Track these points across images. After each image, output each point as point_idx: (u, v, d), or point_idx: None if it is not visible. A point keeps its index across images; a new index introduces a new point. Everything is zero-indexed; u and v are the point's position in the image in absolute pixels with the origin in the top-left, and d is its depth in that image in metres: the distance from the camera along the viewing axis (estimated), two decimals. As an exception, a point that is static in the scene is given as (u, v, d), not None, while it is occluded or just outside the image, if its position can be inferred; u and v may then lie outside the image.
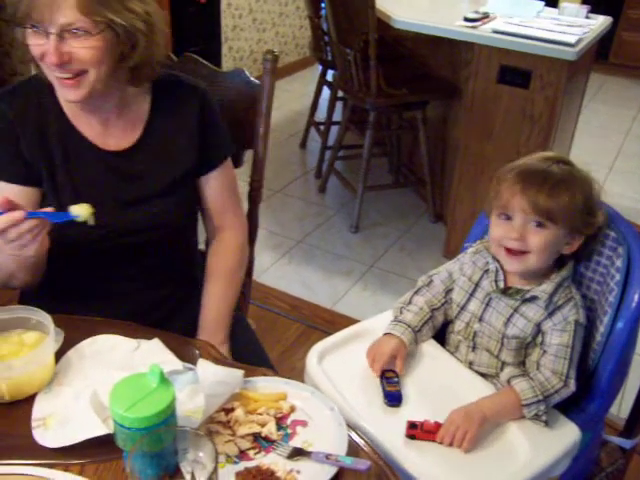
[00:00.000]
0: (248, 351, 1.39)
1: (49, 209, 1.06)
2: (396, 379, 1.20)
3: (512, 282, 1.23)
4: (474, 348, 1.27)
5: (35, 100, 1.21)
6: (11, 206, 1.02)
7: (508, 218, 1.18)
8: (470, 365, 1.27)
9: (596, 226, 1.20)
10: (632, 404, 1.41)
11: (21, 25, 1.09)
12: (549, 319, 1.19)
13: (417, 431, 1.09)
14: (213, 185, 1.36)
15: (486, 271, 1.27)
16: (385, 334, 1.27)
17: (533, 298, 1.20)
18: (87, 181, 1.23)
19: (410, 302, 1.32)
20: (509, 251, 1.18)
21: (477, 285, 1.27)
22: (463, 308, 1.28)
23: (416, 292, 1.34)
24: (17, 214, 1.01)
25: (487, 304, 1.25)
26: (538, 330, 1.20)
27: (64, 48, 1.08)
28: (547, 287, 1.19)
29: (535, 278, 1.21)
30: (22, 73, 2.73)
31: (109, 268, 1.30)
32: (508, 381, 1.17)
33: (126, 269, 1.31)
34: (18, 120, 1.19)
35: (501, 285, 1.23)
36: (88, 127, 1.24)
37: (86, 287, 1.31)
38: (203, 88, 1.34)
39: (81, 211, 1.06)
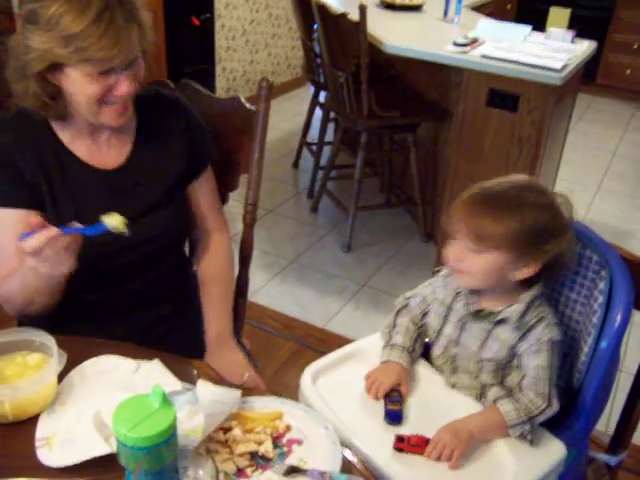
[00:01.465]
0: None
1: (76, 223, 1.08)
2: (398, 398, 1.22)
3: (483, 304, 1.24)
4: (455, 371, 1.28)
5: (30, 128, 1.24)
6: (44, 225, 1.04)
7: (455, 238, 1.21)
8: (453, 387, 1.28)
9: (553, 253, 1.18)
10: (617, 421, 1.45)
11: (89, 70, 1.13)
12: (523, 341, 1.20)
13: (404, 444, 1.12)
14: (201, 190, 1.43)
15: (458, 293, 1.27)
16: (383, 362, 1.29)
17: (504, 320, 1.21)
18: (87, 201, 1.27)
19: (395, 324, 1.34)
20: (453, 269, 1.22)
21: (450, 308, 1.28)
22: (440, 333, 1.30)
23: (397, 314, 1.36)
24: (53, 231, 1.03)
25: (462, 328, 1.26)
26: (513, 353, 1.21)
27: (130, 78, 1.17)
28: (517, 308, 1.20)
29: (504, 299, 1.22)
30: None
31: (108, 285, 1.34)
32: (494, 401, 1.18)
33: (125, 285, 1.35)
34: (17, 146, 1.23)
35: (473, 308, 1.24)
36: (82, 149, 1.28)
37: (85, 305, 1.34)
38: (182, 98, 1.42)
39: (115, 221, 1.08)
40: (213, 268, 1.46)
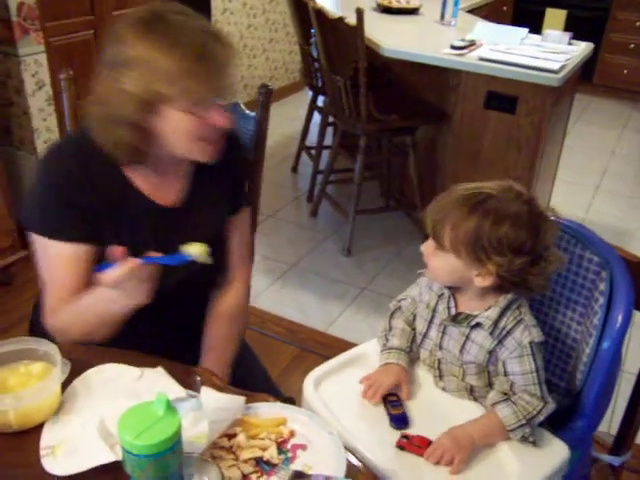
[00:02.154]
0: (253, 376, 1.44)
1: (157, 253, 1.08)
2: (399, 402, 1.23)
3: (462, 307, 1.23)
4: (441, 375, 1.27)
5: (95, 157, 1.20)
6: (125, 255, 1.04)
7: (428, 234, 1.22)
8: (443, 391, 1.28)
9: (511, 270, 1.13)
10: (620, 421, 1.45)
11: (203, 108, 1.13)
12: (502, 347, 1.18)
13: (406, 443, 1.12)
14: (237, 225, 1.42)
15: (440, 296, 1.26)
16: (382, 365, 1.29)
17: (479, 324, 1.20)
18: (146, 235, 1.25)
19: (391, 327, 1.35)
20: None
21: (434, 311, 1.27)
22: (425, 336, 1.29)
23: (391, 317, 1.37)
24: (133, 262, 1.04)
25: (443, 332, 1.25)
26: (491, 357, 1.20)
27: (226, 110, 1.17)
28: (492, 313, 1.18)
29: (482, 302, 1.21)
30: (17, 102, 2.78)
31: (141, 311, 1.27)
32: (493, 406, 1.18)
33: (160, 312, 1.27)
34: (83, 179, 1.19)
35: (452, 312, 1.24)
36: (145, 184, 1.26)
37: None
38: (238, 132, 1.41)
39: (197, 251, 1.08)
40: (221, 332, 1.41)
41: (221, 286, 1.43)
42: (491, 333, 1.18)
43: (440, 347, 1.26)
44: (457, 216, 1.14)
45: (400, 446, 1.13)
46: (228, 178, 1.37)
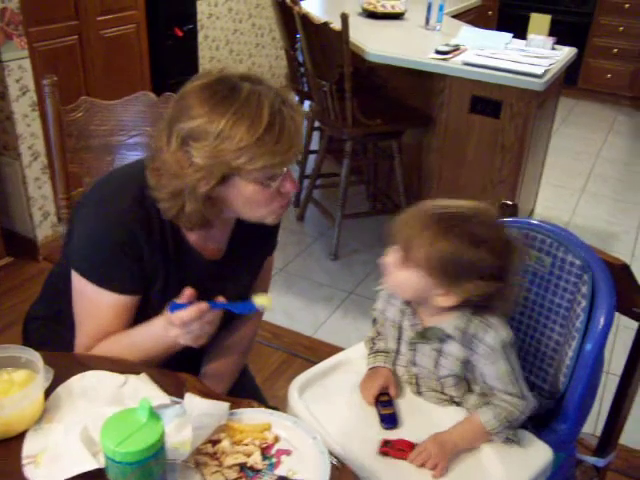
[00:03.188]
0: (240, 382, 1.44)
1: (221, 299, 1.11)
2: (390, 402, 1.24)
3: (427, 321, 1.21)
4: (419, 389, 1.27)
5: (153, 213, 1.17)
6: (195, 298, 1.07)
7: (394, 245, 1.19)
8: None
9: (475, 293, 1.13)
10: (604, 423, 1.47)
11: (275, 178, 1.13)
12: (474, 353, 1.17)
13: (389, 448, 1.13)
14: (262, 268, 1.44)
15: (403, 311, 1.25)
16: (370, 369, 1.30)
17: (449, 337, 1.18)
18: (192, 287, 1.22)
19: (376, 333, 1.35)
20: None
21: (401, 328, 1.26)
22: (398, 352, 1.28)
23: (374, 322, 1.37)
24: (203, 306, 1.07)
25: (414, 349, 1.24)
26: (467, 365, 1.19)
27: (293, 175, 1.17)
28: (459, 323, 1.17)
29: (444, 314, 1.18)
30: (1, 107, 2.77)
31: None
32: (475, 410, 1.18)
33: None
34: (145, 233, 1.17)
35: (419, 328, 1.22)
36: (195, 238, 1.25)
37: None
38: None
39: (264, 301, 1.11)
40: (241, 337, 1.43)
41: (237, 318, 1.44)
42: (461, 342, 1.17)
43: (414, 364, 1.25)
44: (433, 234, 1.11)
45: (383, 452, 1.13)
46: (266, 228, 1.33)
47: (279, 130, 1.07)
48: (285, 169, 1.14)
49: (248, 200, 1.14)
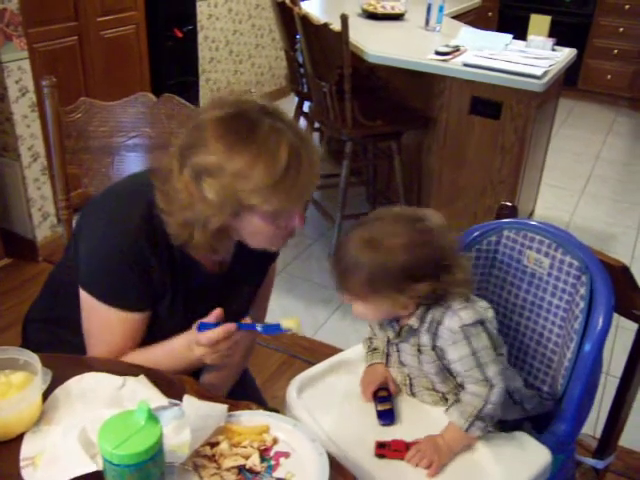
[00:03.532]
0: (239, 384, 1.44)
1: (249, 319, 1.13)
2: (388, 397, 1.24)
3: (403, 321, 1.21)
4: (413, 393, 1.27)
5: (161, 230, 1.15)
6: (222, 318, 1.09)
7: None
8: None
9: (419, 295, 1.14)
10: (603, 425, 1.46)
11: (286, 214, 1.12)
12: (440, 338, 1.17)
13: (385, 450, 1.13)
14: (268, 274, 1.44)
15: None
16: (368, 366, 1.31)
17: (416, 329, 1.18)
18: (197, 301, 1.24)
19: (374, 332, 1.35)
20: None
21: (385, 330, 1.26)
22: (388, 356, 1.28)
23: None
24: (231, 327, 1.08)
25: (397, 349, 1.25)
26: (440, 351, 1.18)
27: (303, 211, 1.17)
28: (419, 312, 1.17)
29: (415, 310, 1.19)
30: (0, 108, 2.77)
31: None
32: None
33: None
34: (153, 250, 1.16)
35: (396, 328, 1.22)
36: (198, 252, 1.23)
37: None
38: None
39: (293, 326, 1.12)
40: (244, 342, 1.38)
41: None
42: (428, 331, 1.17)
43: (403, 364, 1.26)
44: (353, 263, 1.13)
45: (379, 455, 1.13)
46: None
47: (296, 172, 1.06)
48: (299, 210, 1.15)
49: (254, 233, 1.15)
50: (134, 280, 1.16)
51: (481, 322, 1.15)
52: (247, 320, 1.14)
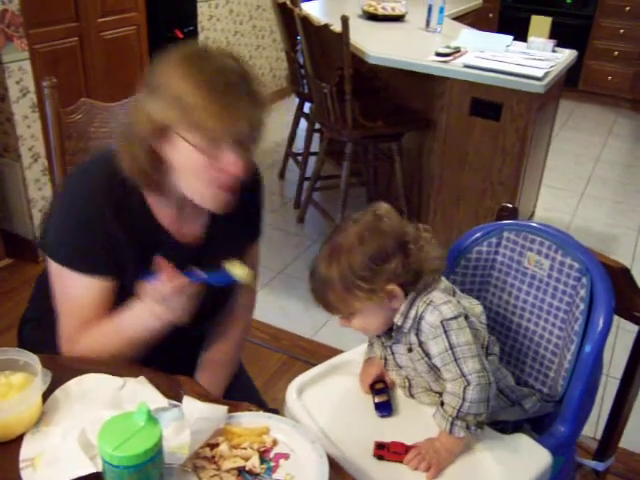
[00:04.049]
0: (238, 384, 1.44)
1: (199, 271, 1.10)
2: (385, 389, 1.25)
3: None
4: (412, 394, 1.27)
5: (124, 193, 1.19)
6: (170, 269, 1.07)
7: None
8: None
9: (397, 275, 1.12)
10: (604, 426, 1.46)
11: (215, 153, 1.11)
12: (421, 333, 1.16)
13: (384, 451, 1.13)
14: (249, 254, 1.43)
15: None
16: (366, 360, 1.32)
17: (402, 327, 1.18)
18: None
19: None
20: None
21: (380, 335, 1.26)
22: (386, 359, 1.28)
23: None
24: (182, 280, 1.07)
25: (392, 352, 1.24)
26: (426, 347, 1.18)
27: (241, 158, 1.13)
28: (402, 309, 1.16)
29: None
30: (1, 109, 2.77)
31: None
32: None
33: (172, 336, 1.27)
34: (112, 212, 1.18)
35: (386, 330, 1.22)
36: (167, 219, 1.25)
37: None
38: (258, 168, 1.40)
39: (241, 272, 1.10)
40: (222, 354, 1.42)
41: (229, 311, 1.44)
42: (413, 328, 1.16)
43: (399, 366, 1.26)
44: (324, 281, 1.13)
45: (378, 456, 1.13)
46: (249, 217, 1.37)
47: (230, 101, 1.08)
48: (233, 147, 1.11)
49: (186, 167, 1.13)
50: (94, 241, 1.18)
51: (465, 316, 1.14)
52: (197, 272, 1.11)
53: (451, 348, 1.12)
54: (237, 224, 1.34)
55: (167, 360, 1.23)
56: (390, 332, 1.22)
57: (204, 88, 1.06)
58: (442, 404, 1.15)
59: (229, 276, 1.10)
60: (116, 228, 1.18)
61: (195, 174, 1.13)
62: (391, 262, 1.12)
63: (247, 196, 1.29)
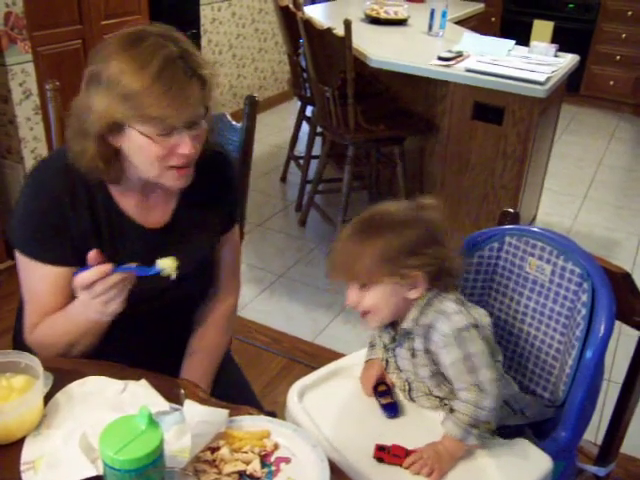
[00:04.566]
0: (234, 388, 1.43)
1: (134, 264, 1.09)
2: (388, 390, 1.25)
3: (398, 326, 1.21)
4: (412, 398, 1.27)
5: (82, 180, 1.20)
6: (100, 260, 1.05)
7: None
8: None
9: (432, 264, 1.14)
10: (605, 431, 1.46)
11: (163, 133, 1.11)
12: (432, 342, 1.16)
13: (385, 454, 1.13)
14: (225, 247, 1.41)
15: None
16: (366, 362, 1.32)
17: (409, 332, 1.19)
18: (130, 258, 1.20)
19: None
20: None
21: (381, 337, 1.27)
22: (387, 362, 1.28)
23: None
24: (105, 267, 1.05)
25: (394, 355, 1.25)
26: (434, 357, 1.18)
27: (192, 138, 1.13)
28: (412, 314, 1.17)
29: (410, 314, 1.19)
30: (4, 111, 2.77)
31: (127, 326, 1.25)
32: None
33: (146, 324, 1.30)
34: (70, 200, 1.19)
35: (392, 333, 1.23)
36: (130, 205, 1.25)
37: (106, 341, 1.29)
38: (227, 153, 1.39)
39: (167, 265, 1.09)
40: (207, 340, 1.40)
41: (211, 297, 1.43)
42: (421, 334, 1.17)
43: (400, 369, 1.26)
44: (361, 246, 1.14)
45: (378, 458, 1.13)
46: (219, 200, 1.36)
47: (168, 82, 1.07)
48: (184, 129, 1.12)
49: (140, 154, 1.14)
50: (52, 231, 1.19)
51: (475, 326, 1.15)
52: (129, 264, 1.10)
53: (465, 358, 1.13)
54: (207, 208, 1.33)
55: (154, 355, 1.24)
56: (394, 334, 1.22)
57: (151, 81, 1.06)
58: (451, 410, 1.16)
59: (156, 269, 1.09)
60: (76, 218, 1.19)
61: (150, 160, 1.14)
62: (430, 250, 1.14)
63: (215, 177, 1.31)
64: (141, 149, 1.13)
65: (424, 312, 1.17)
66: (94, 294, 1.07)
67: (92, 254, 1.06)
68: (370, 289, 1.16)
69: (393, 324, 1.23)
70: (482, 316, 1.20)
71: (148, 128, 1.10)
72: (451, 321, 1.14)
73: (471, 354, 1.13)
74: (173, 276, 1.10)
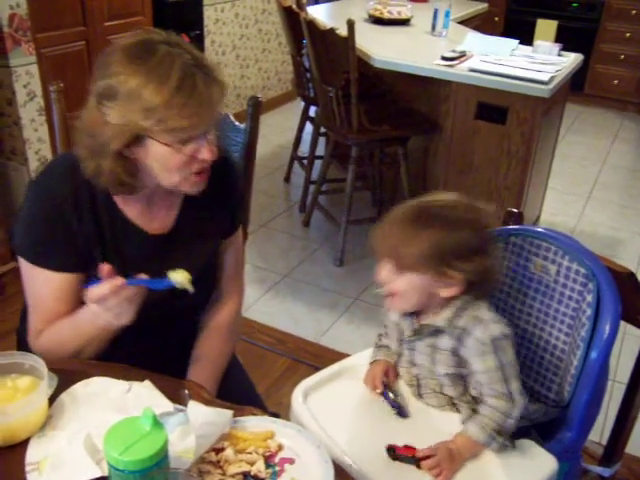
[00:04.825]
0: (239, 389, 1.43)
1: (144, 276, 1.09)
2: (394, 393, 1.26)
3: (423, 319, 1.23)
4: (420, 394, 1.27)
5: (85, 184, 1.19)
6: (112, 274, 1.06)
7: (380, 260, 1.19)
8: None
9: (476, 270, 1.15)
10: (610, 432, 1.46)
11: (185, 142, 1.12)
12: (464, 346, 1.17)
13: (397, 447, 1.13)
14: (228, 250, 1.42)
15: (404, 314, 1.26)
16: (371, 362, 1.32)
17: (438, 330, 1.19)
18: (134, 264, 1.23)
19: (386, 326, 1.35)
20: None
21: (401, 328, 1.27)
22: (400, 355, 1.29)
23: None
24: (118, 281, 1.06)
25: (411, 348, 1.25)
26: (460, 360, 1.19)
27: (211, 143, 1.15)
28: (447, 314, 1.18)
29: (440, 310, 1.20)
30: (8, 113, 2.78)
31: (133, 332, 1.24)
32: (464, 424, 1.18)
33: (151, 330, 1.29)
34: (74, 206, 1.19)
35: (415, 326, 1.23)
36: (134, 211, 1.25)
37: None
38: (231, 157, 1.39)
39: (180, 278, 1.10)
40: (209, 347, 1.40)
41: (214, 302, 1.43)
42: (452, 334, 1.18)
43: (413, 364, 1.26)
44: (414, 231, 1.14)
45: (390, 449, 1.13)
46: (222, 204, 1.36)
47: (189, 93, 1.07)
48: (203, 135, 1.13)
49: (161, 164, 1.14)
50: (56, 238, 1.19)
51: (507, 336, 1.17)
52: (141, 276, 1.10)
53: (500, 367, 1.15)
54: (210, 212, 1.33)
55: (159, 360, 1.23)
56: (417, 327, 1.22)
57: (173, 93, 1.06)
58: (474, 412, 1.17)
59: (169, 282, 1.10)
60: (80, 223, 1.19)
61: (172, 169, 1.14)
62: (477, 257, 1.14)
63: (218, 182, 1.30)
64: (163, 158, 1.13)
65: (459, 314, 1.17)
66: (106, 307, 1.08)
67: (105, 268, 1.06)
68: (405, 274, 1.16)
69: (414, 315, 1.23)
70: (505, 326, 1.21)
71: (168, 138, 1.10)
72: (488, 329, 1.15)
73: (504, 364, 1.15)
74: (190, 289, 1.11)
